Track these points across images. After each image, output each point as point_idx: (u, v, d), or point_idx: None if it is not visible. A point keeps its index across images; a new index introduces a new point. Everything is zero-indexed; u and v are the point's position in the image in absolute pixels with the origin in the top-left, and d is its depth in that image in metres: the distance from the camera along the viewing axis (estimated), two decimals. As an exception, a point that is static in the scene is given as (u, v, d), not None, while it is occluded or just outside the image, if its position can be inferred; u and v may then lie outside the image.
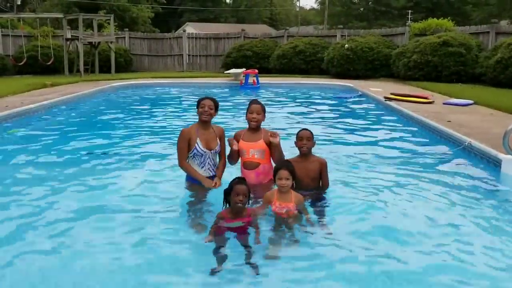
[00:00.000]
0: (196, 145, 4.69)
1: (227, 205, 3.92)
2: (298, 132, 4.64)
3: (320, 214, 4.30)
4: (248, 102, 4.83)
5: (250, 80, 16.83)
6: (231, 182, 3.91)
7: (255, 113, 4.69)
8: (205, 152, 4.72)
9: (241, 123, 8.70)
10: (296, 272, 3.32)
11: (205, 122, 4.77)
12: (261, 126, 4.81)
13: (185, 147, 4.71)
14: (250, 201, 4.05)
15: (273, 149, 4.65)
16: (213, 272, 3.27)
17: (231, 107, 11.56)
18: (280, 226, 3.93)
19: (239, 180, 3.89)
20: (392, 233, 3.96)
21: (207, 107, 4.71)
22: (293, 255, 3.53)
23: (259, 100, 4.88)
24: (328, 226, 4.05)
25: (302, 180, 4.48)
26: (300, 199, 4.12)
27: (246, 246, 3.64)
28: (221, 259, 3.45)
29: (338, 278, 3.28)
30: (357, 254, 3.60)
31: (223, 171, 4.90)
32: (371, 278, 3.27)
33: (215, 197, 4.41)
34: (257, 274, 3.26)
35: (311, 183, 4.57)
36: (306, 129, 4.68)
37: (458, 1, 44.84)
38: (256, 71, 17.51)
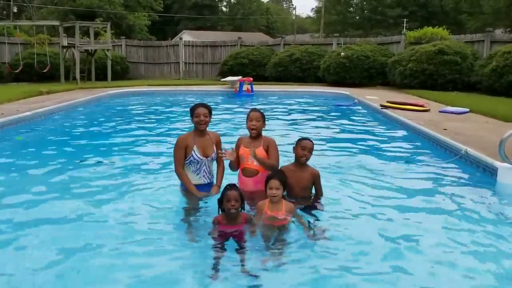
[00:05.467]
0: (192, 152, 4.67)
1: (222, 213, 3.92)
2: (302, 141, 4.59)
3: (312, 221, 4.28)
4: (248, 111, 4.82)
5: (244, 88, 16.86)
6: (222, 190, 3.92)
7: (254, 120, 4.68)
8: (201, 159, 4.71)
9: (234, 129, 8.72)
10: (288, 279, 3.31)
11: (202, 130, 4.76)
12: (262, 134, 4.80)
13: (181, 154, 4.70)
14: (246, 207, 4.04)
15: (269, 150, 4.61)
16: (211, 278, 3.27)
17: (224, 115, 11.57)
18: (269, 238, 3.87)
19: (230, 187, 3.90)
20: (385, 242, 3.95)
21: (202, 116, 4.69)
22: (285, 263, 3.53)
23: (258, 108, 4.88)
24: (318, 232, 4.04)
25: (293, 188, 4.47)
26: (291, 207, 4.10)
27: (242, 252, 3.62)
28: (217, 265, 3.44)
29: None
30: (348, 261, 3.59)
31: (222, 178, 4.86)
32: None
33: (209, 203, 4.43)
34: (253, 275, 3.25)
35: (302, 192, 4.55)
36: (310, 140, 4.64)
37: (453, 10, 45.13)
38: (251, 79, 17.56)
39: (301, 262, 3.54)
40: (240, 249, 3.66)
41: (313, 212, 4.45)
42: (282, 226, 3.97)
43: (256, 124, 4.68)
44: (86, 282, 3.29)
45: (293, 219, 4.07)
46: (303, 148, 4.52)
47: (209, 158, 4.76)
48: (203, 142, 4.75)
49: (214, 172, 4.96)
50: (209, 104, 4.85)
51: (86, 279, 3.32)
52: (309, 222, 4.23)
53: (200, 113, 4.69)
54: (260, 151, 4.64)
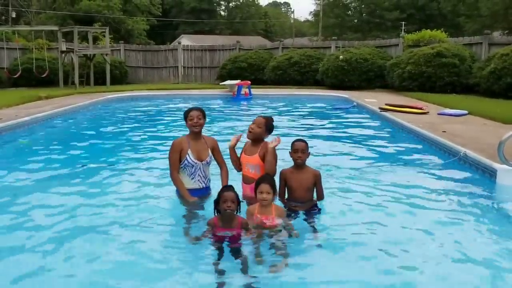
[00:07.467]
0: (187, 156, 4.66)
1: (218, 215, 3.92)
2: (294, 143, 4.58)
3: (313, 225, 4.28)
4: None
5: (242, 91, 16.91)
6: (219, 191, 3.93)
7: (255, 124, 4.65)
8: (196, 163, 4.69)
9: (231, 133, 8.70)
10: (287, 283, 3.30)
11: (197, 133, 4.76)
12: (265, 140, 4.77)
13: (176, 158, 4.69)
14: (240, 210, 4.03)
15: (266, 156, 4.55)
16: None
17: (222, 118, 11.56)
18: (260, 242, 3.83)
19: (226, 188, 3.91)
20: (386, 244, 3.93)
21: (196, 119, 4.69)
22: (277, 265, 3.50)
23: (266, 116, 4.85)
24: (318, 236, 4.05)
25: (296, 190, 4.48)
26: (281, 212, 4.09)
27: (238, 256, 3.61)
28: (220, 271, 3.42)
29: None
30: (351, 265, 3.59)
31: (227, 181, 4.77)
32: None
33: (205, 207, 4.44)
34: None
35: (305, 193, 4.54)
36: (302, 140, 4.63)
37: (451, 13, 45.26)
38: (249, 82, 17.61)
39: (294, 265, 3.53)
40: (236, 253, 3.64)
41: (312, 216, 4.44)
42: (273, 229, 3.95)
43: (255, 129, 4.65)
44: (83, 284, 3.27)
45: (282, 222, 4.03)
46: (295, 150, 4.52)
47: (203, 162, 4.74)
48: (198, 146, 4.74)
49: (211, 177, 4.94)
50: (207, 107, 4.85)
51: (84, 281, 3.30)
52: (311, 225, 4.23)
53: (194, 116, 4.69)
54: (255, 159, 4.61)
